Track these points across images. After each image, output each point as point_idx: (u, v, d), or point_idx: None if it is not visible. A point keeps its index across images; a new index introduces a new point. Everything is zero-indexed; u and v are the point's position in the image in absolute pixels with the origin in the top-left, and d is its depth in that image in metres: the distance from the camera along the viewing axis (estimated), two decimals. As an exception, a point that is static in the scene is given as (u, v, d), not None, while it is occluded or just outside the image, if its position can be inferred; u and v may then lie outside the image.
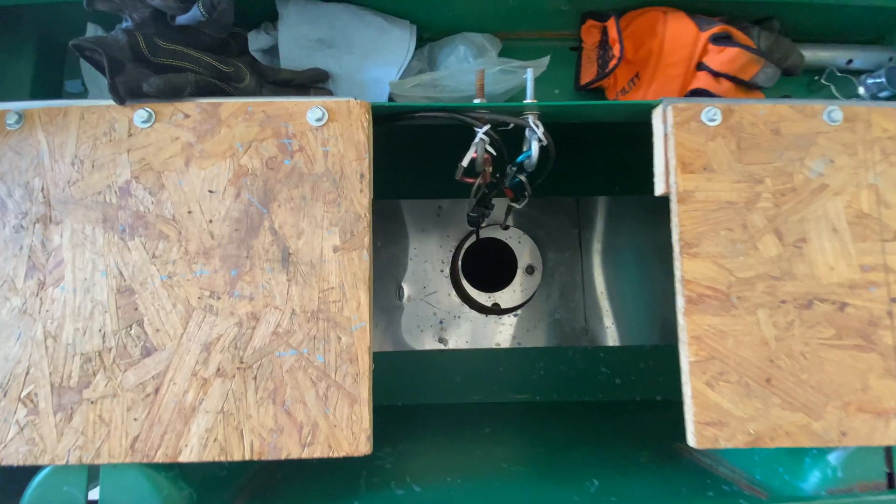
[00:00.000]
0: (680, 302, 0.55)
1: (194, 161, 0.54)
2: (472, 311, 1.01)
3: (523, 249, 1.01)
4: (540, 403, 1.01)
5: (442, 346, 1.00)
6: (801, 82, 0.76)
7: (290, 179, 0.53)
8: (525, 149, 0.63)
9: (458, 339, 1.01)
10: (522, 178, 0.70)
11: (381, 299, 1.01)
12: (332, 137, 0.53)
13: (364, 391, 0.51)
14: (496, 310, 1.00)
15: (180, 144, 0.54)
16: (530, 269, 0.99)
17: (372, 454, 0.52)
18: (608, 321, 1.03)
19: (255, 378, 0.51)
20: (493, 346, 1.01)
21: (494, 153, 0.61)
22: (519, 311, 1.01)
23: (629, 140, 1.12)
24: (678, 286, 0.55)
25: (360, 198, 0.53)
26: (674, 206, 0.56)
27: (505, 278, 1.02)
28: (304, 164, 0.53)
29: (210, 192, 0.53)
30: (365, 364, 0.52)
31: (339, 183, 0.53)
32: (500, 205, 1.00)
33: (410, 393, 1.00)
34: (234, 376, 0.52)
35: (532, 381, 1.01)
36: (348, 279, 0.52)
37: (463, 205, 1.04)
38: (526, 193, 0.76)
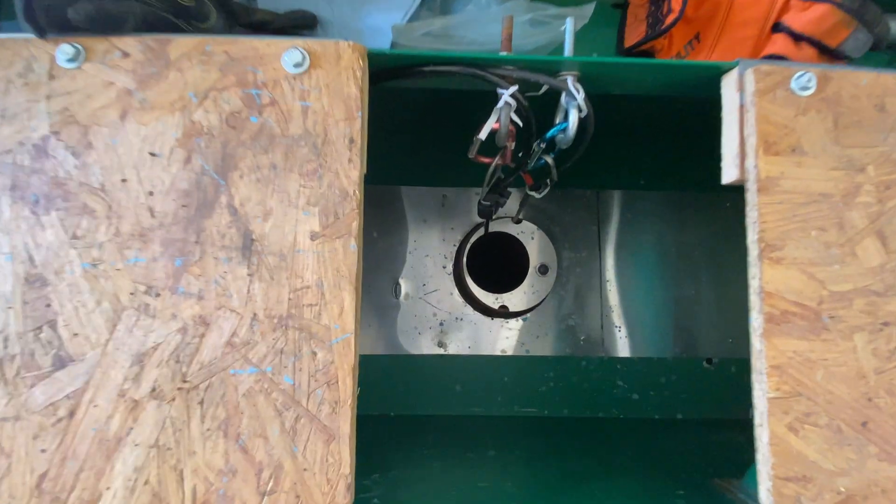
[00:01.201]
0: (757, 320, 0.41)
1: (133, 114, 0.40)
2: (476, 312, 0.87)
3: (536, 246, 0.87)
4: (548, 419, 0.88)
5: (441, 351, 0.86)
6: (880, 59, 0.63)
7: (256, 142, 0.39)
8: (558, 120, 0.49)
9: (459, 344, 0.87)
10: (549, 159, 0.56)
11: (374, 296, 0.87)
12: (314, 89, 0.39)
13: (345, 425, 0.37)
14: (503, 313, 0.86)
15: (115, 92, 0.40)
16: (543, 269, 0.85)
17: (358, 482, 0.38)
18: (627, 329, 0.90)
19: (201, 403, 0.38)
20: (499, 353, 0.87)
21: (520, 124, 0.47)
22: (528, 315, 0.88)
23: (658, 129, 0.98)
24: (755, 300, 0.41)
25: (349, 170, 0.39)
26: (752, 197, 0.42)
27: (514, 278, 0.88)
28: (277, 122, 0.39)
29: (152, 155, 0.39)
30: (347, 389, 0.38)
31: (322, 149, 0.39)
32: (512, 195, 0.87)
33: (404, 402, 0.86)
34: (173, 399, 0.38)
35: (540, 394, 0.87)
36: (329, 276, 0.39)
37: (470, 194, 0.90)
38: (549, 181, 0.62)
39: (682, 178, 0.94)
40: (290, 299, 0.38)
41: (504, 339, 0.87)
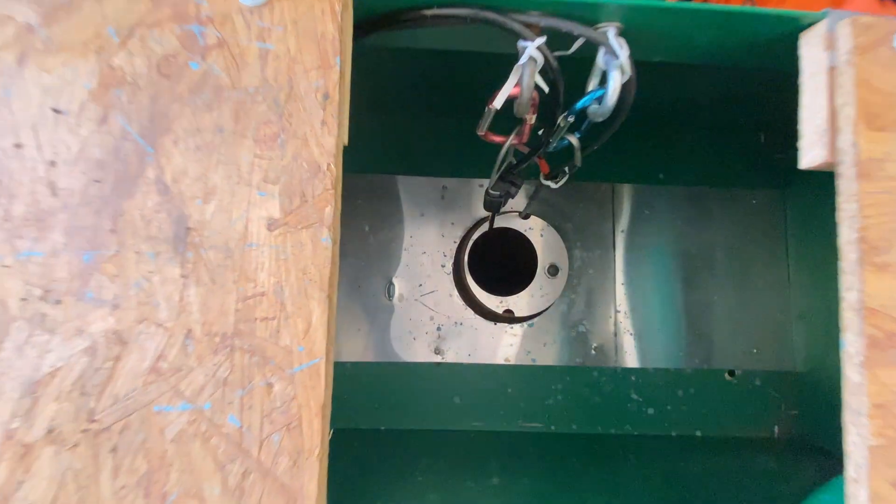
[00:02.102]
0: (855, 345, 0.31)
1: (33, 57, 0.29)
2: (478, 317, 0.77)
3: (546, 245, 0.76)
4: (556, 435, 0.77)
5: (438, 359, 0.76)
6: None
7: (197, 96, 0.28)
8: (591, 87, 0.38)
9: (458, 351, 0.76)
10: (573, 139, 0.45)
11: (365, 297, 0.76)
12: (276, 27, 0.28)
13: (310, 483, 0.27)
14: (508, 317, 0.76)
15: (13, 28, 0.29)
16: (553, 270, 0.75)
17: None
18: (642, 337, 0.79)
19: (114, 450, 0.27)
20: (502, 362, 0.77)
21: (546, 89, 0.36)
22: (535, 321, 0.77)
23: (683, 115, 0.88)
24: (852, 319, 0.31)
25: (322, 135, 0.28)
26: (848, 184, 0.32)
27: (521, 279, 0.77)
28: (225, 70, 0.28)
29: (55, 111, 0.28)
30: (314, 434, 0.27)
31: (285, 107, 0.28)
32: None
33: (397, 414, 0.76)
34: (76, 445, 0.27)
35: (547, 408, 0.77)
36: (292, 280, 0.28)
37: (472, 186, 0.79)
38: (568, 168, 0.51)
39: (705, 172, 0.83)
40: (237, 311, 0.27)
41: (508, 346, 0.77)
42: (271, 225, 0.28)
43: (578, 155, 0.46)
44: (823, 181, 0.34)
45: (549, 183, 0.53)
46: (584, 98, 0.37)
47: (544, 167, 0.51)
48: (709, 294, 0.81)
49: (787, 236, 0.83)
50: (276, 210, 0.28)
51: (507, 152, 0.43)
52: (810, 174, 0.35)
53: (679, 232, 0.81)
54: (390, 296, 0.76)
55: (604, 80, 0.36)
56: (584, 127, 0.44)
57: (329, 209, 0.28)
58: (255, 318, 0.27)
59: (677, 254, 0.81)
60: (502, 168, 0.47)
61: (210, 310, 0.27)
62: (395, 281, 0.77)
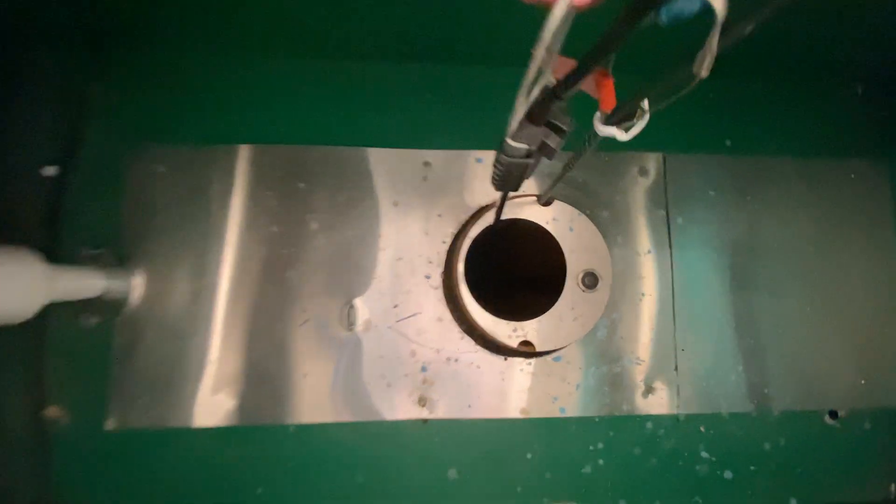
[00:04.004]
0: None
1: None
2: (481, 350, 0.51)
3: (578, 243, 0.51)
4: (597, 518, 0.52)
5: (425, 413, 0.50)
6: None
7: None
8: None
9: (452, 402, 0.51)
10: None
11: (313, 328, 0.50)
12: None
13: None
14: (524, 351, 0.50)
15: None
16: (589, 280, 0.49)
17: None
18: (713, 371, 0.54)
19: None
20: (517, 416, 0.51)
21: None
22: (563, 353, 0.52)
23: (749, 61, 0.61)
24: None
25: None
26: None
27: (542, 295, 0.52)
28: None
29: None
30: None
31: None
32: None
33: (366, 500, 0.50)
34: None
35: (584, 479, 0.52)
36: None
37: (466, 160, 0.53)
38: (633, 121, 0.26)
39: (786, 137, 0.58)
40: None
41: (524, 391, 0.51)
42: None
43: (708, 58, 0.20)
44: None
45: (611, 131, 0.27)
46: None
47: (608, 99, 0.26)
48: (798, 308, 0.56)
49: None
50: None
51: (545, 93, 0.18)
52: None
53: (754, 221, 0.56)
54: (351, 323, 0.50)
55: None
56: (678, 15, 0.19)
57: None
58: None
59: (754, 252, 0.56)
60: (535, 84, 0.21)
61: None
62: (357, 302, 0.51)
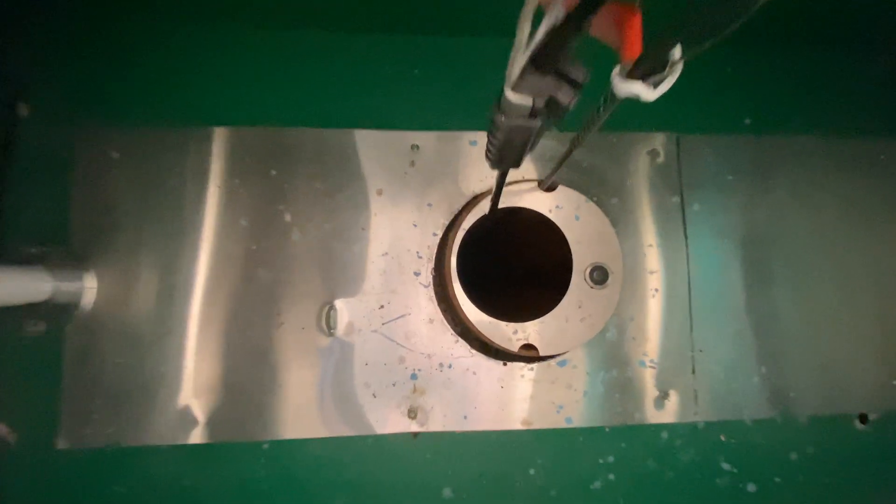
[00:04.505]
0: None
1: None
2: (478, 354, 0.46)
3: (585, 234, 0.45)
4: (608, 538, 0.47)
5: (415, 427, 0.45)
6: None
7: None
8: None
9: (447, 413, 0.45)
10: None
11: (290, 332, 0.44)
12: None
13: None
14: (526, 355, 0.44)
15: None
16: (599, 275, 0.44)
17: None
18: (733, 374, 0.49)
19: None
20: (518, 427, 0.46)
21: None
22: (569, 357, 0.46)
23: (769, 28, 0.54)
24: None
25: None
26: None
27: (545, 292, 0.46)
28: None
29: None
30: None
31: None
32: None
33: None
34: None
35: (594, 495, 0.46)
36: None
37: (458, 143, 0.48)
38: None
39: (810, 114, 0.53)
40: None
41: (527, 400, 0.46)
42: None
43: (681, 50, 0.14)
44: None
45: (634, 88, 0.21)
46: None
47: (633, 38, 0.20)
48: (825, 303, 0.50)
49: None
50: None
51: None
52: None
53: (777, 208, 0.51)
54: (331, 327, 0.44)
55: None
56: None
57: None
58: None
59: (775, 242, 0.50)
60: (547, 24, 0.15)
61: None
62: (338, 303, 0.45)
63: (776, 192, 0.51)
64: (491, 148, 0.23)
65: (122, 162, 0.45)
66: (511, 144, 0.21)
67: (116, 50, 0.45)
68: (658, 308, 0.48)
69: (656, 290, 0.48)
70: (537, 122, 0.19)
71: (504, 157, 0.23)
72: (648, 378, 0.47)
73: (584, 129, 0.28)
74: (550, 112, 0.19)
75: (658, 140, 0.50)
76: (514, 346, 0.43)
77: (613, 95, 0.22)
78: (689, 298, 0.48)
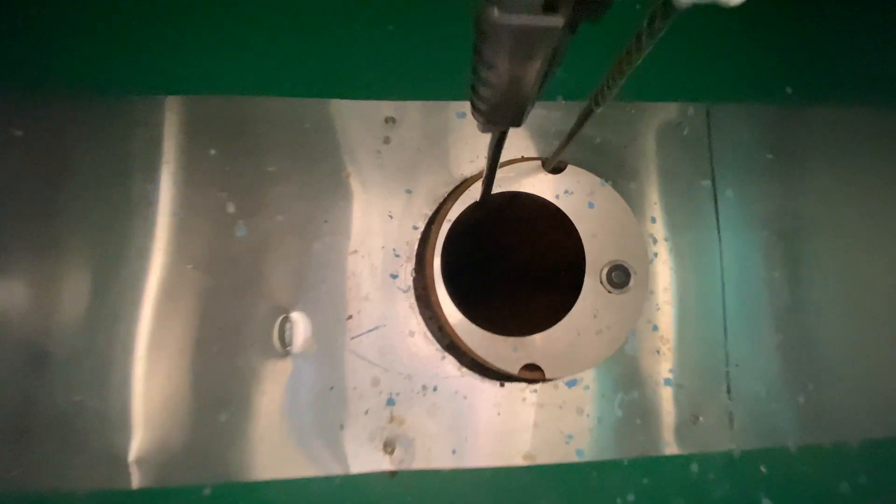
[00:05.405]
0: None
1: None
2: (469, 373, 0.37)
3: (600, 226, 0.36)
4: None
5: (394, 465, 0.36)
6: None
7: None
8: None
9: (431, 446, 0.36)
10: None
11: (239, 349, 0.35)
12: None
13: None
14: (529, 377, 0.36)
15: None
16: (618, 276, 0.35)
17: None
18: (775, 394, 0.41)
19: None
20: (519, 462, 0.37)
21: None
22: (581, 378, 0.38)
23: None
24: None
25: None
26: None
27: (552, 297, 0.37)
28: None
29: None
30: None
31: None
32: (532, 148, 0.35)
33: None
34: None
35: (610, 543, 0.38)
36: None
37: (446, 114, 0.39)
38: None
39: (869, 82, 0.44)
40: None
41: (528, 429, 0.37)
42: None
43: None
44: None
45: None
46: None
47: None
48: (883, 308, 0.42)
49: None
50: None
51: None
52: None
53: (825, 194, 0.42)
54: (287, 344, 0.35)
55: None
56: None
57: None
58: None
59: (823, 235, 0.42)
60: None
61: None
62: (295, 315, 0.36)
63: (824, 175, 0.42)
64: (480, 86, 0.13)
65: (24, 141, 0.35)
66: (512, 74, 0.12)
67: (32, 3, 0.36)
68: (687, 316, 0.39)
69: (683, 294, 0.39)
70: (559, 20, 0.10)
71: (501, 105, 0.14)
72: (675, 400, 0.39)
73: (615, 70, 0.19)
74: (581, 4, 0.10)
75: (685, 111, 0.41)
76: (514, 367, 0.34)
77: (670, 4, 0.13)
78: (724, 303, 0.40)
